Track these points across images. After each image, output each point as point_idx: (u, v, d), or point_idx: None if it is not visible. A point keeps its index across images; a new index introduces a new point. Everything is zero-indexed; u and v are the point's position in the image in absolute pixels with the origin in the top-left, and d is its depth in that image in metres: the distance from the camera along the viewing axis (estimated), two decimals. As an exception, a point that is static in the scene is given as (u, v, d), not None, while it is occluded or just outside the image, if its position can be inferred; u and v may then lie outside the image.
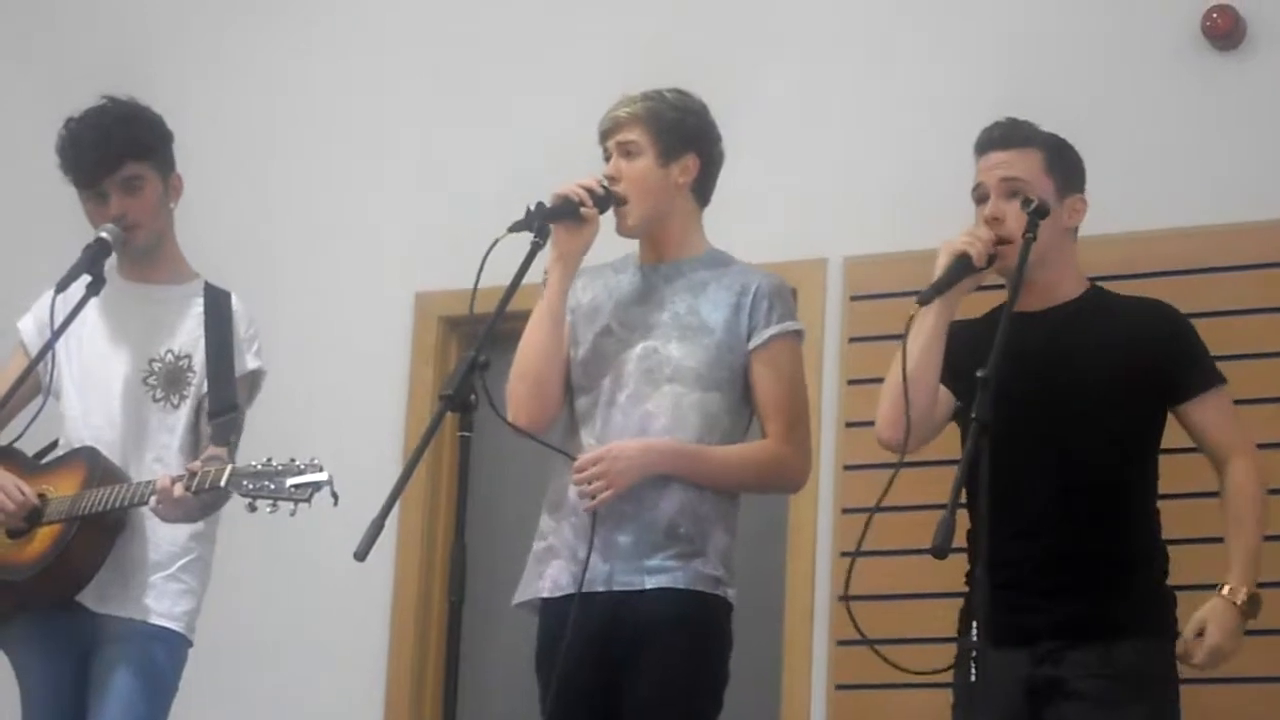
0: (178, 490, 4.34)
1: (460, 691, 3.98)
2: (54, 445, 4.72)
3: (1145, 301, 4.35)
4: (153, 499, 4.38)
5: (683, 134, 4.52)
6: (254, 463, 4.35)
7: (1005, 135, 4.32)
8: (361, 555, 3.85)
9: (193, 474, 4.35)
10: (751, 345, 4.46)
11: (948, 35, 6.02)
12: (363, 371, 6.48)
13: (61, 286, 4.55)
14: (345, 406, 6.44)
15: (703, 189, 4.58)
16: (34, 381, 4.65)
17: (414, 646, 6.22)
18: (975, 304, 4.34)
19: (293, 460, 4.34)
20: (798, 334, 4.53)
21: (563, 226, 4.43)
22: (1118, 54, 5.79)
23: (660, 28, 6.33)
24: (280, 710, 6.26)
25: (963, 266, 4.19)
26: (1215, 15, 5.64)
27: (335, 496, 4.30)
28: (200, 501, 4.39)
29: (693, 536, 4.37)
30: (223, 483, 4.33)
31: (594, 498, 4.34)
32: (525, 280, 4.31)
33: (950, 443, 4.28)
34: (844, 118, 6.08)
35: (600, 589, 4.36)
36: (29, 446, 4.71)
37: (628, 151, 4.50)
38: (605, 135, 4.56)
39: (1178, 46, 5.72)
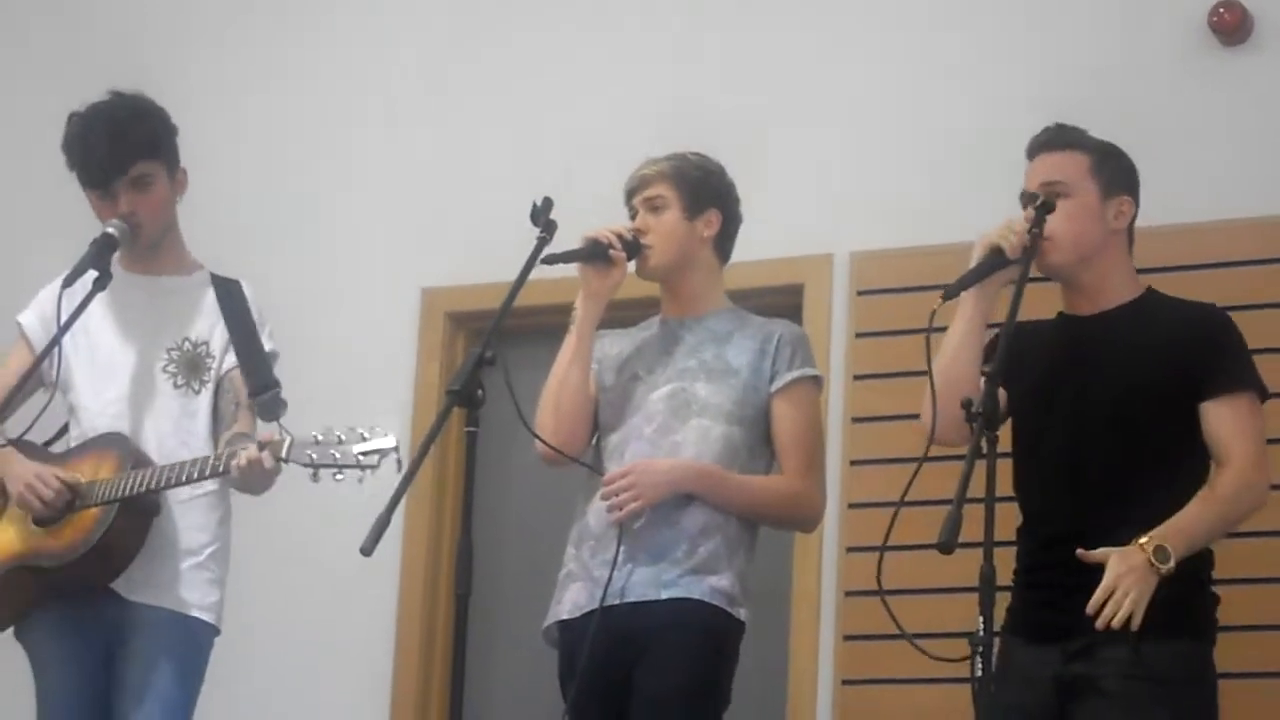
0: (268, 460, 4.36)
1: (466, 685, 3.99)
2: (61, 433, 4.73)
3: (1194, 305, 4.31)
4: (235, 469, 4.39)
5: (707, 190, 4.68)
6: (314, 434, 4.38)
7: (1051, 139, 4.34)
8: (368, 550, 3.86)
9: (265, 444, 4.38)
10: (774, 387, 4.58)
11: (953, 32, 6.01)
12: (369, 367, 6.48)
13: (68, 282, 4.55)
14: (351, 402, 6.41)
15: (724, 245, 4.73)
16: (35, 375, 4.64)
17: (420, 640, 6.22)
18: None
19: (354, 428, 4.37)
20: (816, 380, 4.65)
21: (592, 268, 4.59)
22: (1125, 50, 5.78)
23: (667, 30, 6.33)
24: (287, 704, 6.26)
25: (994, 261, 4.21)
26: (1222, 10, 5.63)
27: (400, 463, 4.30)
28: (273, 475, 4.43)
29: (711, 556, 4.46)
30: (283, 454, 4.36)
31: (621, 510, 4.43)
32: (532, 276, 4.36)
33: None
34: (850, 114, 6.08)
35: (616, 601, 4.43)
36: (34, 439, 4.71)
37: (654, 206, 4.65)
38: (632, 193, 4.70)
39: (1185, 42, 5.71)
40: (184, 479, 4.45)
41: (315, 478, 4.37)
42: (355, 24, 6.80)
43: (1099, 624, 3.94)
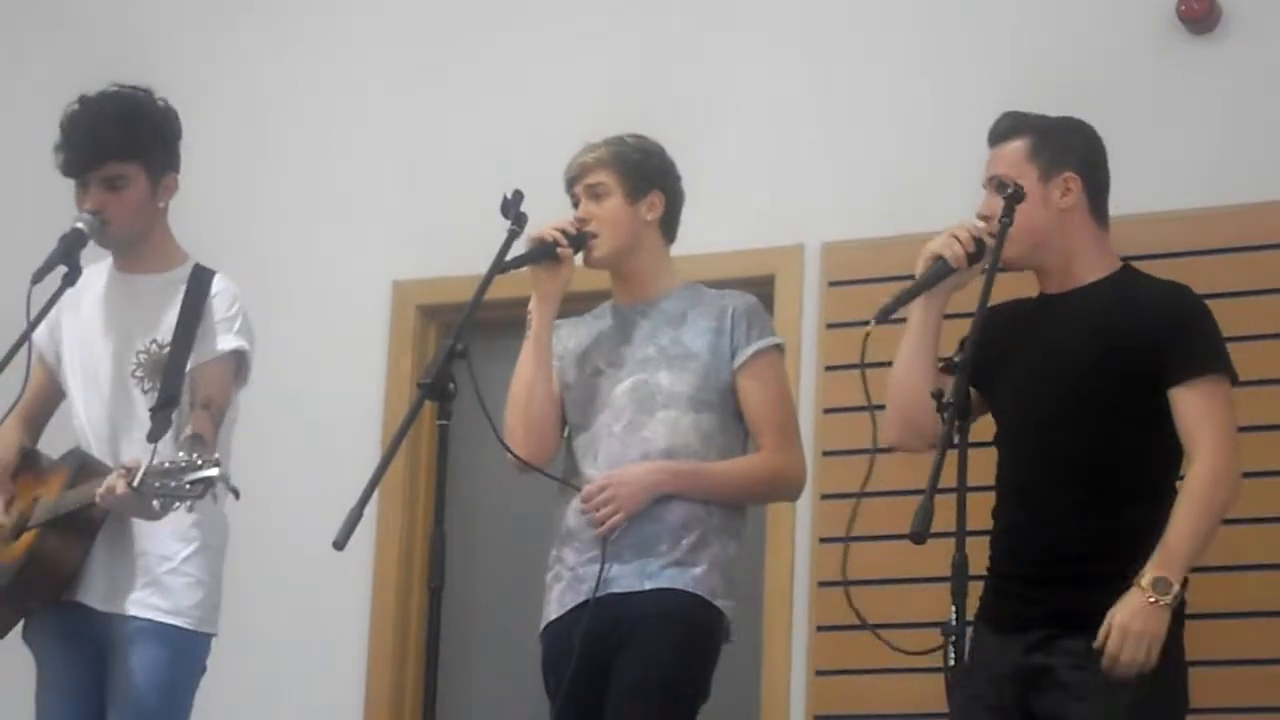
0: (120, 487, 4.25)
1: (441, 678, 3.99)
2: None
3: (1165, 285, 4.22)
4: (99, 500, 4.32)
5: (647, 173, 4.65)
6: (165, 461, 4.24)
7: (994, 131, 4.29)
8: (340, 544, 3.86)
9: (126, 470, 4.26)
10: (736, 364, 4.56)
11: (921, 23, 6.02)
12: (340, 360, 6.47)
13: (37, 277, 4.52)
14: (323, 395, 6.44)
15: (669, 225, 4.70)
16: (54, 384, 4.68)
17: (394, 633, 6.23)
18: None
19: (194, 456, 4.22)
20: (778, 348, 4.64)
21: (541, 268, 4.57)
22: (1093, 39, 5.80)
23: (640, 19, 6.33)
24: (261, 699, 6.25)
25: (937, 271, 4.20)
26: (1190, -1, 5.66)
27: (235, 492, 4.23)
28: (146, 501, 4.25)
29: (694, 548, 4.47)
30: (135, 483, 4.21)
31: (604, 523, 4.44)
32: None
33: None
34: (821, 104, 6.09)
35: (602, 592, 4.43)
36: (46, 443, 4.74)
37: (596, 194, 4.63)
38: (572, 181, 4.67)
39: (1153, 31, 5.73)
40: (75, 504, 4.41)
41: (162, 507, 4.25)
42: (323, 24, 6.79)
43: (1115, 676, 3.93)
